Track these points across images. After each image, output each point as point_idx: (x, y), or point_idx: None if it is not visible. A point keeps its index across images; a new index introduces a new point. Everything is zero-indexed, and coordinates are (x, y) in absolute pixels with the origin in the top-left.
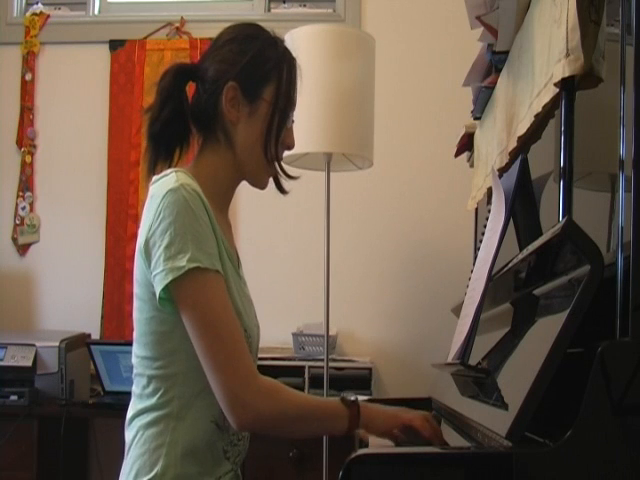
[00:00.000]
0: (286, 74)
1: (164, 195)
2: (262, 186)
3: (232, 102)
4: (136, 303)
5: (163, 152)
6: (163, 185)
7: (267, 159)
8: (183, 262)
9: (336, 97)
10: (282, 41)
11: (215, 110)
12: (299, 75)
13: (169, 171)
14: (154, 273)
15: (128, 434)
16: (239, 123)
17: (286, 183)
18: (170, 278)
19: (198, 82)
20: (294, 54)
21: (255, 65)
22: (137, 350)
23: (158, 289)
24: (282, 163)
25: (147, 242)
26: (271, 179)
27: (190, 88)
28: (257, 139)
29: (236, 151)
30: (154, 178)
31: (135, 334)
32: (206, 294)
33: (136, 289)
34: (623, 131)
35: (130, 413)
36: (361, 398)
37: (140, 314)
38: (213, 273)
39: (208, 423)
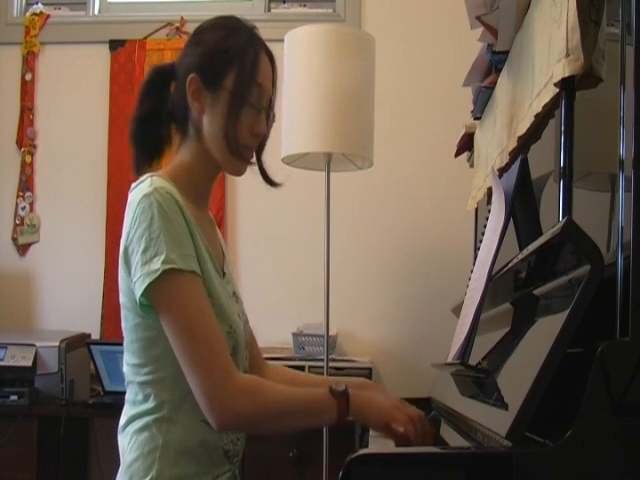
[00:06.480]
0: (250, 60)
1: (139, 201)
2: (236, 174)
3: (195, 95)
4: (122, 312)
5: (145, 152)
6: (139, 191)
7: (229, 147)
8: (157, 265)
9: (336, 97)
10: (248, 29)
11: (185, 105)
12: (263, 60)
13: (145, 176)
14: (134, 280)
15: (122, 440)
16: (204, 114)
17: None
18: (147, 282)
19: (174, 81)
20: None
21: (214, 54)
22: (127, 358)
23: (138, 295)
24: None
25: (126, 250)
26: (258, 173)
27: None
28: (220, 128)
29: (203, 142)
30: (132, 185)
31: (124, 343)
32: (181, 296)
33: (121, 298)
34: (623, 131)
35: (123, 420)
36: None
37: (126, 322)
38: (188, 274)
39: (199, 422)
